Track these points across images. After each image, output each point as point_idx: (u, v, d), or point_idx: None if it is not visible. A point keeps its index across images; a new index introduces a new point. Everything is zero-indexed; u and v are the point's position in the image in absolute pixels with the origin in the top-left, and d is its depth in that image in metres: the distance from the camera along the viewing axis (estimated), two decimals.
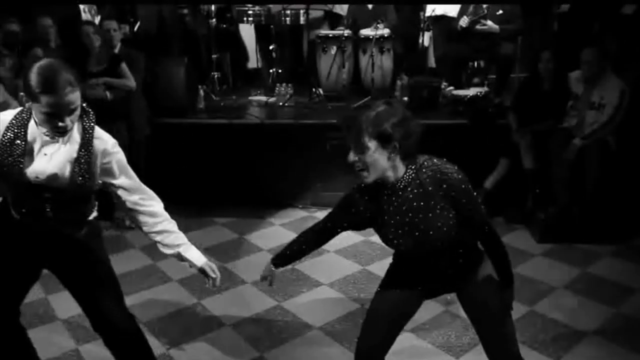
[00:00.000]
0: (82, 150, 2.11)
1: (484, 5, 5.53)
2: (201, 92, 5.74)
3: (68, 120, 2.00)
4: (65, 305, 3.49)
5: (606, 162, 4.35)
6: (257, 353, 3.09)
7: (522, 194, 4.74)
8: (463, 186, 1.93)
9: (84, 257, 2.34)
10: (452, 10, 5.99)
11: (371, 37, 5.86)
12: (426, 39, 6.49)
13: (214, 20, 6.27)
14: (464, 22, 5.54)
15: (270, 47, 6.35)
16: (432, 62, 6.66)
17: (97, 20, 5.79)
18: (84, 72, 4.51)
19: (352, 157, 1.94)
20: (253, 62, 7.27)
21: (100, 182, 2.23)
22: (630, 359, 3.00)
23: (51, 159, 2.10)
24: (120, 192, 2.26)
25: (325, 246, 4.34)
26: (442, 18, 6.14)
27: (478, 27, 5.52)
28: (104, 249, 2.46)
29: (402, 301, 2.21)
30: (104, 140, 2.19)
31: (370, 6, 6.27)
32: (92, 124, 2.15)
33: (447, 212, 1.93)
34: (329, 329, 3.30)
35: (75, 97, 1.99)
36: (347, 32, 5.97)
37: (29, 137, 2.09)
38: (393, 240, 2.03)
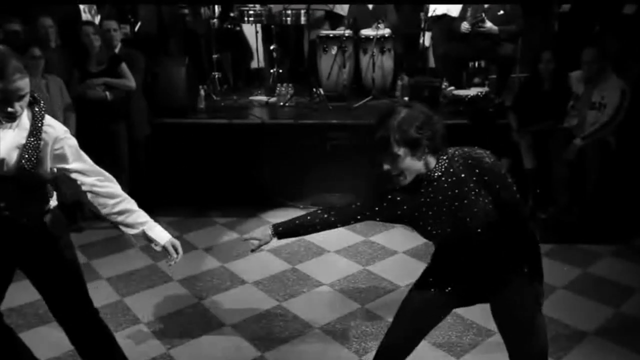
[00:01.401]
0: (31, 137, 2.13)
1: (485, 6, 5.53)
2: (201, 92, 5.73)
3: (17, 106, 2.05)
4: None
5: (606, 162, 4.36)
6: (257, 353, 3.09)
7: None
8: (496, 170, 1.95)
9: (46, 249, 2.33)
10: (453, 10, 5.99)
11: (372, 37, 5.87)
12: (427, 39, 6.49)
13: (215, 20, 6.26)
14: (465, 28, 5.55)
15: (271, 47, 6.35)
16: (432, 62, 6.65)
17: (97, 20, 5.79)
18: (84, 73, 4.52)
19: (385, 166, 1.95)
20: (256, 61, 7.27)
21: (54, 170, 2.23)
22: (631, 359, 3.00)
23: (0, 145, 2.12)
24: (75, 176, 2.24)
25: (326, 246, 4.40)
26: (443, 17, 6.13)
27: (479, 27, 5.51)
28: (68, 239, 2.46)
29: (432, 306, 2.20)
30: (55, 128, 2.20)
31: (370, 6, 6.27)
32: (42, 112, 2.18)
33: (483, 198, 1.94)
34: (329, 328, 3.31)
35: (24, 83, 2.04)
36: (347, 32, 5.97)
37: None
38: (432, 231, 2.02)
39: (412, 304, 2.23)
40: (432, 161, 1.97)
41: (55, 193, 2.39)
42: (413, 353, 3.05)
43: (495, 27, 5.48)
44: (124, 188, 4.94)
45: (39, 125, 2.15)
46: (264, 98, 6.16)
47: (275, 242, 4.47)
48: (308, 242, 4.50)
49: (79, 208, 4.88)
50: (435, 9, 6.15)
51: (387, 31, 5.94)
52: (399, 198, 2.07)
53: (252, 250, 2.38)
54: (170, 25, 6.50)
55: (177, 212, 5.10)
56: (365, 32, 6.03)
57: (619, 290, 3.69)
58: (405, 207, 2.06)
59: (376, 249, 4.35)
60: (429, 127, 1.91)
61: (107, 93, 4.52)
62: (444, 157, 1.98)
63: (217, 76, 6.34)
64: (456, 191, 1.96)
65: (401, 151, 1.89)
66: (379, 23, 5.91)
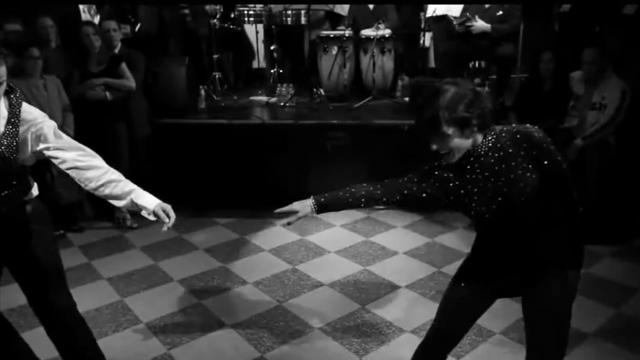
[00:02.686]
0: (9, 125, 2.15)
1: (485, 7, 5.52)
2: (202, 92, 5.74)
3: None
4: None
5: (607, 163, 4.35)
6: (258, 353, 3.09)
7: None
8: (545, 145, 1.91)
9: (27, 239, 2.34)
10: (454, 10, 5.99)
11: (372, 37, 5.87)
12: (427, 39, 6.49)
13: (216, 20, 6.26)
14: (459, 28, 5.57)
15: (272, 47, 6.35)
16: (433, 62, 6.65)
17: (96, 20, 5.79)
18: (84, 73, 4.52)
19: (434, 146, 1.93)
20: (257, 61, 7.28)
21: (36, 152, 2.23)
22: (631, 359, 3.00)
23: None
24: (56, 153, 2.23)
25: (326, 246, 4.40)
26: (444, 17, 6.13)
27: (467, 27, 5.50)
28: (50, 230, 2.46)
29: (475, 299, 2.16)
30: (33, 113, 2.23)
31: (371, 6, 6.27)
32: (19, 100, 2.21)
33: (530, 173, 1.90)
34: (329, 329, 3.30)
35: (2, 71, 2.10)
36: (348, 33, 5.97)
37: None
38: (476, 208, 1.97)
39: (455, 296, 2.20)
40: (479, 138, 1.95)
41: (35, 184, 2.41)
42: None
43: (487, 25, 5.46)
44: None
45: (17, 112, 2.18)
46: (264, 98, 6.16)
47: (277, 244, 4.52)
48: (308, 243, 4.50)
49: (80, 208, 4.89)
50: (436, 9, 6.15)
51: (387, 31, 5.95)
52: (445, 175, 2.03)
53: (289, 224, 2.27)
54: (171, 25, 6.50)
55: (177, 213, 5.05)
56: (366, 32, 6.03)
57: (620, 290, 3.69)
58: (451, 185, 2.02)
59: (376, 250, 4.35)
60: (477, 105, 1.88)
61: (107, 93, 4.52)
62: (492, 133, 1.96)
63: (217, 76, 6.35)
64: (503, 166, 1.92)
65: (450, 130, 1.87)
66: (379, 23, 5.91)
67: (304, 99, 5.99)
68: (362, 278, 3.92)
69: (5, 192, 2.24)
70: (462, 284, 2.19)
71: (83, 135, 4.57)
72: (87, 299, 3.65)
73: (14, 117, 2.17)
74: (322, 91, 5.87)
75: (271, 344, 3.17)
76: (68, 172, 2.25)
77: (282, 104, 5.85)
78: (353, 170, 4.85)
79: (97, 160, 2.31)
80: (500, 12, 5.50)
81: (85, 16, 5.81)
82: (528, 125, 1.95)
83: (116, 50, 4.66)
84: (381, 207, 2.19)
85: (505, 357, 3.00)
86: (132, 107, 4.69)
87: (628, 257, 4.15)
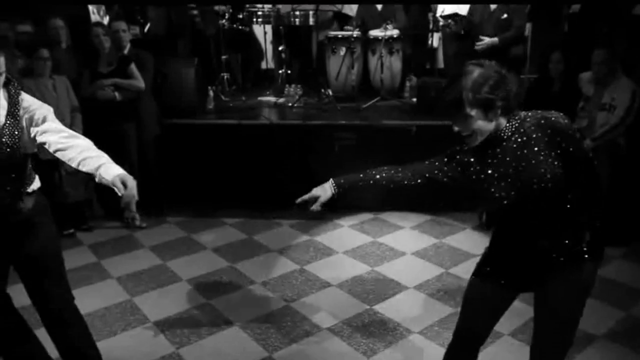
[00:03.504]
0: (9, 116, 2.20)
1: (490, 9, 5.49)
2: (210, 93, 5.76)
3: None
4: (77, 303, 3.51)
5: (616, 164, 4.33)
6: (265, 353, 3.10)
7: None
8: (570, 132, 1.89)
9: (28, 232, 2.36)
10: (464, 9, 5.97)
11: (380, 37, 5.87)
12: (435, 39, 6.48)
13: (225, 21, 6.28)
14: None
15: (280, 48, 6.37)
16: (441, 63, 6.64)
17: (105, 20, 5.83)
18: (94, 73, 4.55)
19: (456, 128, 1.92)
20: (265, 62, 7.29)
21: (31, 141, 2.25)
22: None
23: None
24: (44, 137, 2.23)
25: (334, 247, 4.41)
26: (456, 16, 6.10)
27: (478, 46, 5.47)
28: (51, 223, 2.48)
29: (494, 291, 2.12)
30: (28, 101, 2.28)
31: (379, 7, 6.26)
32: (18, 91, 2.26)
33: (552, 160, 1.87)
34: (337, 329, 3.31)
35: (0, 62, 2.14)
36: (356, 33, 5.97)
37: None
38: (495, 193, 1.94)
39: (476, 292, 2.17)
40: (503, 122, 1.92)
41: (37, 177, 2.42)
42: (421, 355, 3.07)
43: (494, 40, 5.44)
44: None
45: (16, 102, 2.23)
46: (272, 99, 6.18)
47: (284, 244, 4.53)
48: (317, 243, 4.51)
49: (89, 207, 4.92)
50: (444, 9, 6.13)
51: (395, 32, 5.94)
52: (466, 159, 2.01)
53: (312, 209, 2.23)
54: (180, 26, 6.53)
55: (186, 213, 5.13)
56: (374, 32, 6.03)
57: (629, 292, 3.67)
58: (472, 169, 2.00)
59: (384, 250, 4.35)
60: (502, 87, 1.85)
61: (117, 93, 4.54)
62: (516, 118, 1.93)
63: (226, 77, 6.37)
64: (525, 151, 1.90)
65: (474, 112, 1.85)
66: (387, 24, 5.91)
67: (312, 100, 6.00)
68: (370, 278, 3.92)
69: (9, 183, 2.26)
70: (481, 279, 2.15)
71: (92, 135, 4.60)
72: (96, 298, 3.68)
73: (13, 107, 2.22)
74: (330, 92, 5.87)
75: (279, 343, 3.18)
76: (55, 154, 2.24)
77: (290, 104, 5.86)
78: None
79: (78, 140, 2.26)
80: (505, 16, 5.46)
81: (94, 17, 5.85)
82: (553, 111, 1.93)
83: (125, 51, 4.69)
84: (400, 192, 2.12)
85: (513, 359, 2.99)
86: (141, 107, 4.71)
87: (638, 260, 4.12)
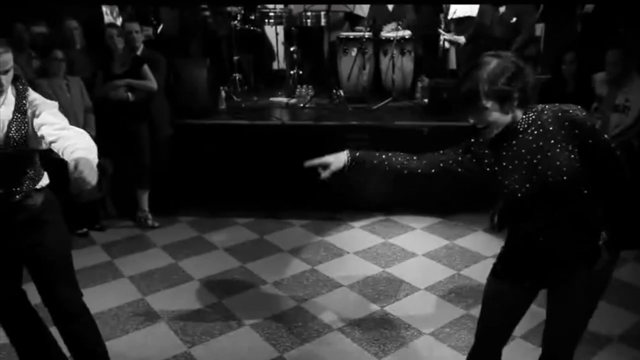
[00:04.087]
0: (17, 112, 2.24)
1: (499, 12, 5.46)
2: (222, 93, 5.79)
3: (4, 79, 2.19)
4: (90, 302, 3.54)
5: (630, 165, 4.28)
6: (276, 353, 3.11)
7: None
8: (588, 124, 1.86)
9: (38, 230, 2.37)
10: (475, 11, 5.95)
11: (392, 38, 5.86)
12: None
13: (237, 22, 6.31)
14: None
15: (292, 49, 6.38)
16: (452, 64, 6.62)
17: (119, 22, 5.87)
18: (107, 74, 4.59)
19: (471, 120, 1.89)
20: (277, 63, 7.32)
21: (35, 136, 2.26)
22: None
23: None
24: (42, 130, 2.23)
25: (345, 247, 4.41)
26: (467, 20, 6.08)
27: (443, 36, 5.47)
28: (60, 221, 2.49)
29: (513, 289, 2.08)
30: (33, 95, 2.32)
31: (390, 7, 6.26)
32: (25, 87, 2.31)
33: (569, 153, 1.84)
34: (348, 330, 3.31)
35: (8, 58, 2.18)
36: (367, 34, 5.97)
37: None
38: (509, 186, 1.91)
39: (494, 291, 2.14)
40: (519, 114, 1.89)
41: (45, 173, 2.45)
42: (433, 357, 3.06)
43: (461, 38, 5.43)
44: (145, 187, 5.03)
45: (23, 98, 2.27)
46: (284, 99, 6.19)
47: (296, 244, 4.53)
48: (327, 243, 4.51)
49: (102, 207, 4.96)
50: (456, 10, 6.11)
51: (407, 32, 5.93)
52: (481, 151, 1.99)
53: (321, 177, 2.21)
54: (192, 27, 6.57)
55: (198, 212, 5.16)
56: (386, 33, 6.02)
57: None
58: (486, 161, 1.97)
59: (395, 251, 4.35)
60: (520, 79, 1.82)
61: (130, 94, 4.57)
62: (533, 110, 1.90)
63: (237, 77, 6.39)
64: (540, 143, 1.87)
65: (489, 104, 1.82)
66: (399, 24, 5.90)
67: (323, 100, 6.01)
68: (381, 279, 3.92)
69: (18, 179, 2.29)
70: (499, 279, 2.12)
71: (105, 135, 4.65)
72: (109, 296, 3.72)
73: (20, 102, 2.26)
74: (341, 92, 5.88)
75: (290, 343, 3.19)
76: (50, 146, 2.24)
77: (301, 105, 5.87)
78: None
79: (67, 132, 2.22)
80: (515, 19, 5.42)
81: (108, 18, 5.90)
82: (572, 105, 1.90)
83: (139, 52, 4.72)
84: (412, 180, 2.09)
85: (526, 358, 2.98)
86: (154, 107, 4.75)
87: None
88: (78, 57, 4.82)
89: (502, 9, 5.46)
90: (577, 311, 2.07)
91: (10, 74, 2.21)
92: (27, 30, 4.75)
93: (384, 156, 2.13)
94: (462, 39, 5.44)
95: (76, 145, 2.08)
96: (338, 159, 2.18)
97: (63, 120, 2.25)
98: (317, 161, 2.22)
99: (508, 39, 5.49)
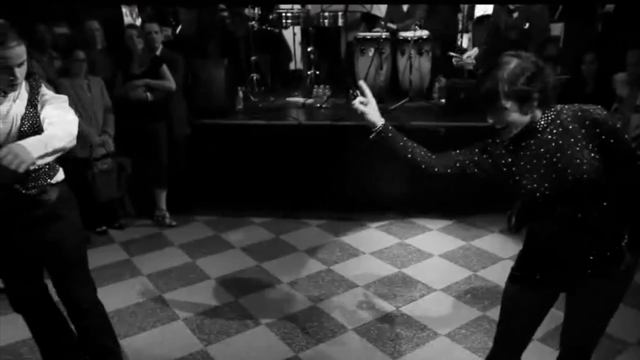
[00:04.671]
0: (29, 106, 2.27)
1: (513, 17, 5.41)
2: (240, 94, 5.82)
3: (18, 72, 2.19)
4: (108, 299, 3.59)
5: None
6: (292, 352, 3.12)
7: None
8: (610, 123, 1.83)
9: (53, 227, 2.39)
10: (489, 10, 5.90)
11: (410, 38, 5.84)
12: (465, 40, 6.42)
13: (254, 22, 6.35)
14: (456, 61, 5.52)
15: (309, 49, 6.40)
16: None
17: (138, 22, 5.94)
18: (127, 74, 4.65)
19: (490, 120, 1.89)
20: (294, 63, 7.35)
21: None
22: None
23: (5, 116, 2.23)
24: (45, 122, 2.26)
25: (361, 248, 4.41)
26: (486, 18, 6.04)
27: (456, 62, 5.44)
28: (75, 216, 2.51)
29: (532, 293, 2.06)
30: (45, 90, 2.34)
31: (405, 7, 6.24)
32: (39, 83, 2.34)
33: (589, 151, 1.81)
34: (363, 330, 3.31)
35: (22, 50, 2.19)
36: (385, 34, 5.96)
37: None
38: (527, 186, 1.88)
39: (513, 295, 2.12)
40: (538, 114, 1.88)
41: (60, 169, 2.47)
42: (449, 357, 3.05)
43: (471, 59, 5.38)
44: (163, 186, 5.07)
45: (36, 93, 2.30)
46: (301, 99, 6.21)
47: (311, 244, 4.54)
48: (343, 244, 4.52)
49: (121, 206, 5.03)
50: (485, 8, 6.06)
51: (425, 32, 5.91)
52: (498, 151, 1.97)
53: (352, 102, 2.19)
54: (210, 27, 6.62)
55: (215, 212, 5.20)
56: (403, 33, 6.01)
57: None
58: (503, 161, 1.95)
59: (411, 252, 4.34)
60: (540, 79, 1.80)
61: (148, 94, 4.62)
62: (552, 110, 1.89)
63: (255, 78, 6.43)
64: (560, 142, 1.85)
65: (509, 104, 1.80)
66: (416, 24, 5.88)
67: (340, 101, 6.01)
68: (396, 280, 3.91)
69: (33, 173, 2.32)
70: (517, 283, 2.10)
71: (124, 135, 4.72)
72: (127, 294, 3.77)
73: (33, 97, 2.29)
74: (358, 92, 5.85)
75: (305, 343, 3.20)
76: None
77: (318, 105, 5.88)
78: (389, 172, 4.86)
79: (52, 127, 2.23)
80: (527, 25, 5.35)
81: (127, 19, 5.97)
82: (592, 105, 1.87)
83: (158, 52, 4.77)
84: (428, 176, 2.08)
85: None
86: (172, 107, 4.79)
87: None
88: (99, 57, 4.89)
89: (515, 15, 5.41)
90: (597, 315, 2.05)
91: (24, 68, 2.22)
92: (49, 31, 4.83)
93: (409, 143, 2.13)
94: (470, 65, 5.41)
95: (44, 133, 2.16)
96: (375, 113, 2.16)
97: (65, 114, 2.27)
98: (366, 90, 2.20)
99: (523, 42, 5.43)
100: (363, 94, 2.19)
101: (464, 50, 6.16)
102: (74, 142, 2.20)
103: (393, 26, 6.01)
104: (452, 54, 5.54)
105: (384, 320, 3.41)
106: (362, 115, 2.17)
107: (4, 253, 2.44)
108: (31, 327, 2.64)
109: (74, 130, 2.20)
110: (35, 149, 1.96)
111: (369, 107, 2.17)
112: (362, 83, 2.24)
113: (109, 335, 2.74)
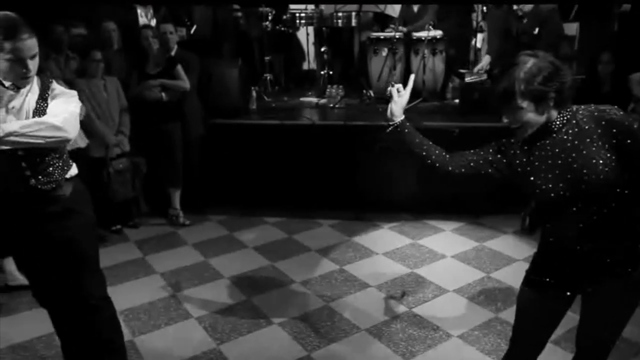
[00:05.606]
0: (40, 100, 2.29)
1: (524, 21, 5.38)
2: (254, 93, 5.84)
3: (30, 65, 2.20)
4: (123, 297, 3.64)
5: None
6: (304, 352, 3.13)
7: None
8: (627, 123, 1.81)
9: (67, 222, 2.40)
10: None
11: (423, 38, 5.82)
12: (479, 40, 6.38)
13: (268, 23, 6.37)
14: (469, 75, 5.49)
15: (322, 49, 6.40)
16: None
17: (152, 23, 5.99)
18: (142, 74, 4.69)
19: (505, 119, 1.88)
20: (307, 63, 7.36)
21: None
22: None
23: (19, 110, 2.26)
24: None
25: (374, 248, 4.41)
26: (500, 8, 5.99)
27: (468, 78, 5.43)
28: (89, 211, 2.52)
29: (547, 297, 2.04)
30: (55, 85, 2.37)
31: (415, 8, 6.23)
32: (50, 79, 2.37)
33: (605, 152, 1.80)
34: (376, 330, 3.31)
35: (33, 43, 2.18)
36: (398, 34, 5.95)
37: None
38: (541, 186, 1.87)
39: (528, 299, 2.10)
40: (554, 114, 1.86)
41: (74, 164, 2.49)
42: (461, 359, 3.04)
43: (482, 71, 5.35)
44: (177, 185, 5.10)
45: (47, 88, 2.33)
46: (314, 99, 6.22)
47: (324, 244, 4.55)
48: (356, 244, 4.52)
49: (135, 204, 5.07)
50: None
51: (439, 32, 5.89)
52: (512, 151, 1.97)
53: (387, 91, 2.24)
54: (224, 28, 6.65)
55: (228, 211, 5.22)
56: (417, 33, 5.99)
57: None
58: (518, 161, 1.94)
59: (424, 252, 4.33)
60: (556, 79, 1.79)
61: (163, 94, 4.66)
62: (567, 110, 1.87)
63: (269, 78, 6.45)
64: (576, 142, 1.83)
65: (525, 104, 1.80)
66: (429, 25, 5.86)
67: (353, 101, 6.01)
68: (409, 280, 3.91)
69: (49, 171, 2.34)
70: (533, 286, 2.07)
71: (139, 134, 4.76)
72: (141, 292, 3.80)
73: (44, 93, 2.32)
74: (371, 92, 5.87)
75: (317, 343, 3.21)
76: None
77: (331, 105, 5.88)
78: (401, 172, 4.85)
79: (47, 117, 2.30)
80: (537, 30, 5.31)
81: (142, 20, 6.02)
82: (608, 105, 1.86)
83: (172, 53, 4.80)
84: (441, 176, 2.07)
85: None
86: (187, 107, 4.82)
87: None
88: (115, 58, 4.94)
89: (524, 20, 5.37)
90: (613, 318, 2.03)
91: (36, 60, 2.23)
92: (66, 32, 4.88)
93: (425, 141, 2.12)
94: (483, 76, 5.39)
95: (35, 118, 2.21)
96: (399, 109, 2.17)
97: (67, 108, 2.29)
98: (408, 88, 2.23)
99: (534, 46, 5.39)
100: (405, 86, 2.21)
101: (475, 62, 6.16)
102: (67, 135, 2.25)
103: (404, 29, 6.01)
104: (462, 70, 5.53)
105: (396, 321, 3.41)
106: (389, 99, 2.19)
107: (24, 249, 2.46)
108: (54, 321, 2.64)
109: (69, 126, 2.25)
110: (12, 125, 2.12)
111: (400, 98, 2.18)
112: (412, 77, 2.30)
113: (117, 332, 2.74)
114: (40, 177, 2.31)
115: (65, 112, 2.29)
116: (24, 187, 2.30)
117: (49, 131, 2.21)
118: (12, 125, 2.15)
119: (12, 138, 2.14)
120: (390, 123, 2.16)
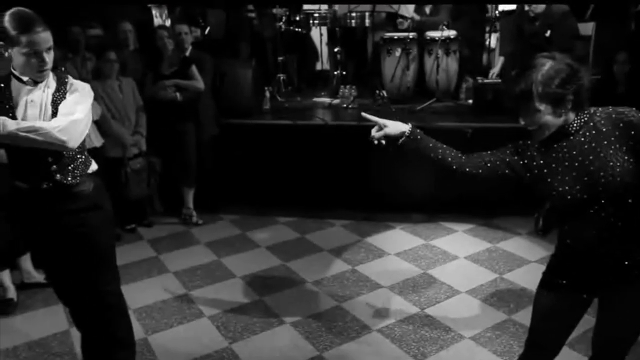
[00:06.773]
0: (57, 92, 2.33)
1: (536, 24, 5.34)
2: (267, 94, 5.86)
3: (47, 57, 2.24)
4: (136, 296, 3.68)
5: None
6: (316, 352, 3.14)
7: None
8: None
9: (86, 220, 2.42)
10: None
11: (437, 38, 5.80)
12: (493, 40, 6.35)
13: (282, 23, 6.39)
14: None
15: (335, 50, 6.41)
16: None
17: (167, 23, 6.03)
18: (157, 74, 4.73)
19: (522, 121, 1.88)
20: (320, 63, 7.37)
21: None
22: None
23: (37, 104, 2.29)
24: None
25: (386, 248, 4.40)
26: (512, 13, 5.95)
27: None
28: (109, 208, 2.55)
29: (564, 300, 2.03)
30: (72, 80, 2.40)
31: (427, 10, 6.21)
32: (65, 74, 2.41)
33: (622, 154, 1.80)
34: (387, 331, 3.31)
35: (48, 35, 2.22)
36: (412, 34, 5.94)
37: (14, 93, 2.29)
38: (558, 188, 1.86)
39: (544, 302, 2.09)
40: (571, 116, 1.86)
41: (93, 160, 2.52)
42: (474, 359, 3.02)
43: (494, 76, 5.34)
44: (190, 185, 5.14)
45: (64, 81, 2.37)
46: (327, 100, 6.22)
47: (336, 244, 4.55)
48: (368, 244, 4.52)
49: (150, 204, 5.12)
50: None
51: (452, 32, 5.86)
52: (529, 153, 1.95)
53: (372, 136, 2.22)
54: (238, 28, 6.68)
55: (241, 211, 5.25)
56: (430, 33, 5.98)
57: None
58: (534, 163, 1.93)
59: (437, 253, 4.32)
60: (574, 82, 1.79)
61: (178, 94, 4.69)
62: (585, 112, 1.87)
63: (282, 78, 6.47)
64: (593, 144, 1.83)
65: (542, 106, 1.80)
66: (443, 24, 5.84)
67: (366, 101, 6.01)
68: (421, 281, 3.90)
69: (72, 166, 2.37)
70: (549, 289, 2.07)
71: (154, 134, 4.80)
72: (154, 290, 3.84)
73: (61, 85, 2.36)
74: (384, 93, 5.86)
75: (329, 343, 3.22)
76: None
77: (344, 105, 5.88)
78: (415, 172, 4.83)
79: (54, 121, 2.31)
80: (549, 32, 5.25)
81: (157, 20, 6.07)
82: (626, 107, 1.85)
83: (187, 53, 4.83)
84: (459, 177, 2.06)
85: None
86: (201, 107, 4.85)
87: None
88: (130, 58, 4.98)
89: (537, 23, 5.33)
90: (630, 321, 2.01)
91: (52, 53, 2.27)
92: (83, 33, 4.94)
93: (439, 144, 2.13)
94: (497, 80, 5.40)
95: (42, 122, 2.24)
96: (396, 126, 2.16)
97: (75, 113, 2.30)
98: (374, 119, 2.23)
99: (545, 48, 5.35)
100: (377, 128, 2.22)
101: (489, 63, 6.13)
102: (65, 145, 2.25)
103: (417, 17, 5.97)
104: (479, 78, 5.52)
105: (408, 322, 3.41)
106: (386, 138, 2.18)
107: (44, 245, 2.49)
108: (74, 317, 2.66)
109: (67, 135, 2.24)
110: (12, 125, 2.15)
111: (385, 129, 2.18)
112: (364, 114, 2.30)
113: (127, 329, 2.74)
114: (65, 171, 2.35)
115: (69, 115, 2.28)
116: (51, 182, 2.33)
117: (47, 137, 2.21)
118: (12, 125, 2.16)
119: (13, 134, 2.16)
120: (400, 135, 2.16)
